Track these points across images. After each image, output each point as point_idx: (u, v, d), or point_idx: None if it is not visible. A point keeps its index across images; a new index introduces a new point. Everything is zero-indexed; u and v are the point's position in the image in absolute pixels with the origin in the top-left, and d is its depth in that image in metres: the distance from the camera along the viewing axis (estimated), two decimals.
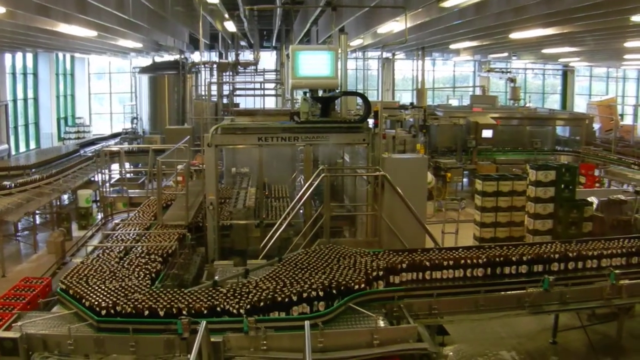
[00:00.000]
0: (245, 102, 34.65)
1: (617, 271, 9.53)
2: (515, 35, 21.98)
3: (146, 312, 7.51)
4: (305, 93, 13.32)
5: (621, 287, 9.55)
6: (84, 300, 7.91)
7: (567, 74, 49.77)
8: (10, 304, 8.62)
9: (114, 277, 8.75)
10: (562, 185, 14.29)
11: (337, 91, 13.23)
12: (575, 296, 9.49)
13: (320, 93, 13.09)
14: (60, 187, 20.93)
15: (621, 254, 10.25)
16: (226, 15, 21.00)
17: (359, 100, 17.42)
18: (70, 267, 10.40)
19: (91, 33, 19.57)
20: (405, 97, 42.77)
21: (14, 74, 33.93)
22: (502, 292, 9.34)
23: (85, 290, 8.11)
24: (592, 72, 50.51)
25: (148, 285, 8.53)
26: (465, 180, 26.51)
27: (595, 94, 49.34)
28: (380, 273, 8.74)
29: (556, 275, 9.54)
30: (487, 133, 26.62)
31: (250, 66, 34.16)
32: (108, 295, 7.87)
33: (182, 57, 33.64)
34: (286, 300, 7.74)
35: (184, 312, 7.47)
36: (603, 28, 19.57)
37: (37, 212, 20.63)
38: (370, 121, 12.99)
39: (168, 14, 18.73)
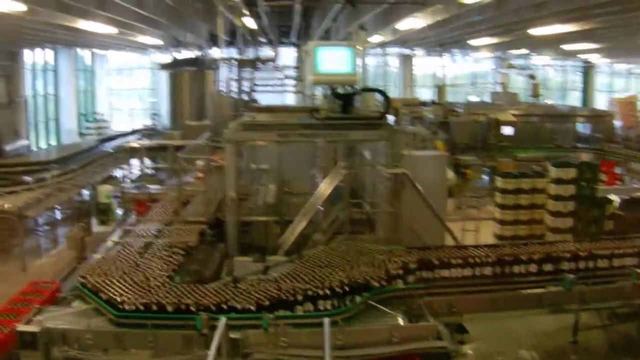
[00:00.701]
0: (264, 99, 34.64)
1: (638, 270, 9.46)
2: (534, 32, 21.84)
3: (165, 308, 7.53)
4: (324, 90, 13.27)
5: None
6: (103, 295, 7.94)
7: (587, 71, 49.40)
8: (16, 310, 8.48)
9: (133, 273, 8.76)
10: (583, 183, 14.19)
11: (356, 87, 13.18)
12: (595, 295, 9.44)
13: (339, 90, 13.03)
14: (80, 183, 21.04)
15: None
16: (245, 12, 20.99)
17: (379, 97, 17.37)
18: (90, 262, 10.43)
19: (111, 29, 19.64)
20: (425, 94, 42.63)
21: (34, 69, 34.10)
22: (522, 291, 9.30)
23: (105, 286, 8.14)
24: (613, 68, 50.11)
25: (168, 281, 8.55)
26: (485, 177, 26.37)
27: (617, 90, 48.94)
28: (400, 271, 8.71)
29: (577, 273, 9.49)
30: (507, 130, 26.51)
31: (269, 62, 34.13)
32: (127, 291, 7.90)
33: (202, 53, 33.67)
34: (305, 297, 7.73)
35: (203, 308, 7.48)
36: (622, 25, 19.42)
37: (57, 207, 20.74)
38: (391, 118, 12.93)
39: (187, 11, 18.80)
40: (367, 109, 15.04)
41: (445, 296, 8.92)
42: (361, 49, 13.54)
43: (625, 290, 9.47)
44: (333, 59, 12.61)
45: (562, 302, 9.30)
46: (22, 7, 13.73)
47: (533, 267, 9.61)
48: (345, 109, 12.80)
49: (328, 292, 7.82)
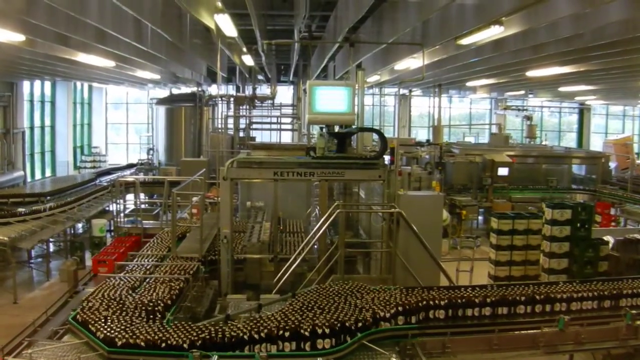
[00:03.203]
0: (261, 136, 34.75)
1: (633, 311, 9.44)
2: (532, 73, 21.98)
3: (157, 344, 7.46)
4: (321, 128, 13.31)
5: (637, 328, 9.45)
6: (94, 330, 7.87)
7: (583, 112, 49.73)
8: None
9: (125, 308, 8.70)
10: (578, 224, 14.20)
11: (353, 127, 13.22)
12: (590, 336, 9.38)
13: (336, 128, 13.07)
14: (74, 216, 21.01)
15: (637, 294, 10.16)
16: (244, 49, 21.10)
17: (375, 136, 17.42)
18: (82, 296, 10.37)
19: (109, 63, 19.73)
20: (422, 134, 42.80)
21: (31, 101, 34.24)
22: (517, 332, 9.25)
23: (96, 320, 8.07)
24: (608, 110, 50.43)
25: (160, 317, 8.49)
26: (480, 218, 26.43)
27: (612, 132, 49.23)
28: (394, 310, 8.66)
29: (571, 315, 9.46)
30: (503, 171, 26.58)
31: (267, 100, 34.26)
32: (119, 326, 7.83)
33: (199, 89, 33.82)
34: (298, 335, 7.67)
35: (196, 345, 7.42)
36: (620, 67, 19.56)
37: (51, 240, 20.69)
38: (387, 158, 12.95)
39: (186, 47, 18.83)
40: (364, 149, 15.07)
41: (439, 336, 8.87)
42: (359, 88, 13.56)
43: (620, 331, 9.44)
44: (330, 98, 12.66)
45: (556, 343, 9.25)
46: (21, 38, 13.77)
47: (529, 308, 9.58)
48: (342, 148, 12.82)
49: (321, 331, 7.76)
